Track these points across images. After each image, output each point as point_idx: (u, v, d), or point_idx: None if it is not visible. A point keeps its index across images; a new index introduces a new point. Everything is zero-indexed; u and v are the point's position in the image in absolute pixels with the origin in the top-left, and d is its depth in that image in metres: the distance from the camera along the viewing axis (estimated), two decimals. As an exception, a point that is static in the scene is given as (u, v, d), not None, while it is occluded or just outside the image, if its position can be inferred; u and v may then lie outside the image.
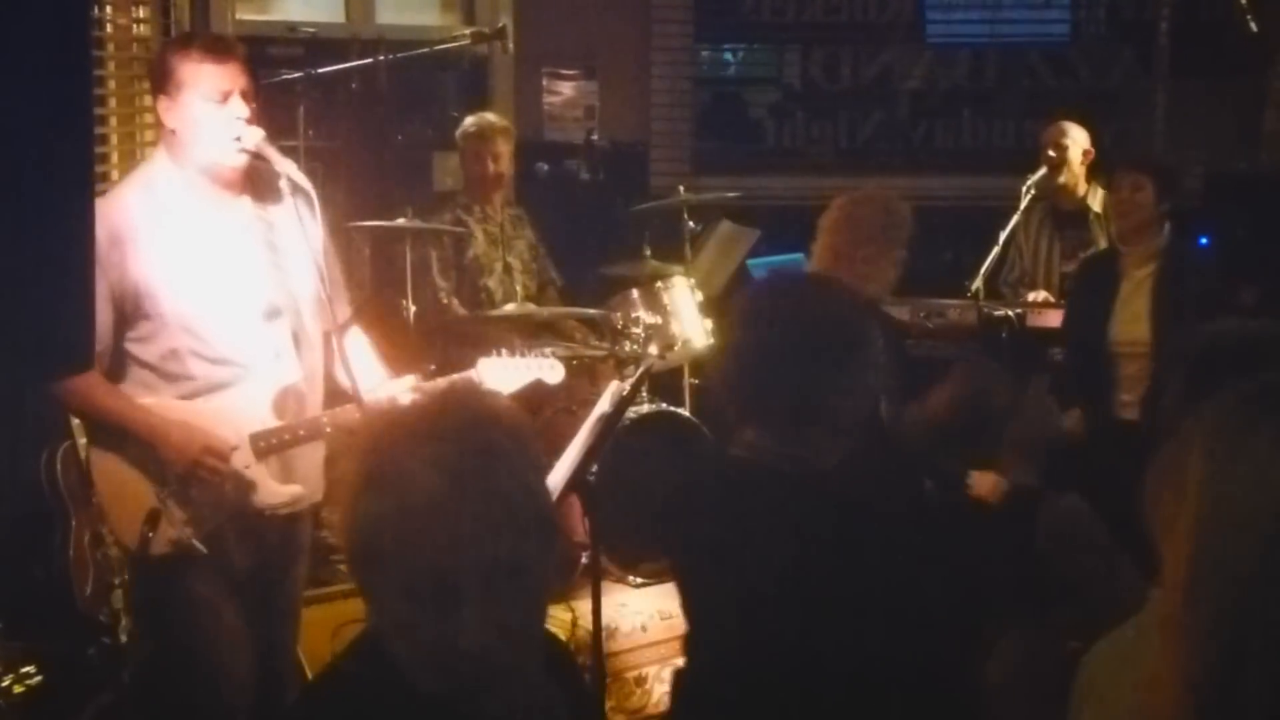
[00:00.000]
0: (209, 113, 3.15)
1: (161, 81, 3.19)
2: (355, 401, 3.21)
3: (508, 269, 5.68)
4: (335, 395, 3.41)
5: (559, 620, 4.47)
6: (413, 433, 1.67)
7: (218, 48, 3.20)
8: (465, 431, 1.66)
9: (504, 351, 3.70)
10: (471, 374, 3.63)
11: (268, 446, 3.25)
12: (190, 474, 3.18)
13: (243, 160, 3.21)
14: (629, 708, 4.47)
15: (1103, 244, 5.57)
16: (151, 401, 3.19)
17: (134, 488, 3.18)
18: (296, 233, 3.26)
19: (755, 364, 2.37)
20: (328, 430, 3.32)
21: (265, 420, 3.26)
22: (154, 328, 3.16)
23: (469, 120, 5.79)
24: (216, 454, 3.18)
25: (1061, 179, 5.60)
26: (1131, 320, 4.74)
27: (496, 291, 5.62)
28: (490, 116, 5.84)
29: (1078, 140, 5.65)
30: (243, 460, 3.24)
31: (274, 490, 3.30)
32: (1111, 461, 3.61)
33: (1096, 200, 5.61)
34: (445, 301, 5.46)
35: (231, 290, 3.24)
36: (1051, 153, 5.60)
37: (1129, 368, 4.71)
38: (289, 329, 3.33)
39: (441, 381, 3.47)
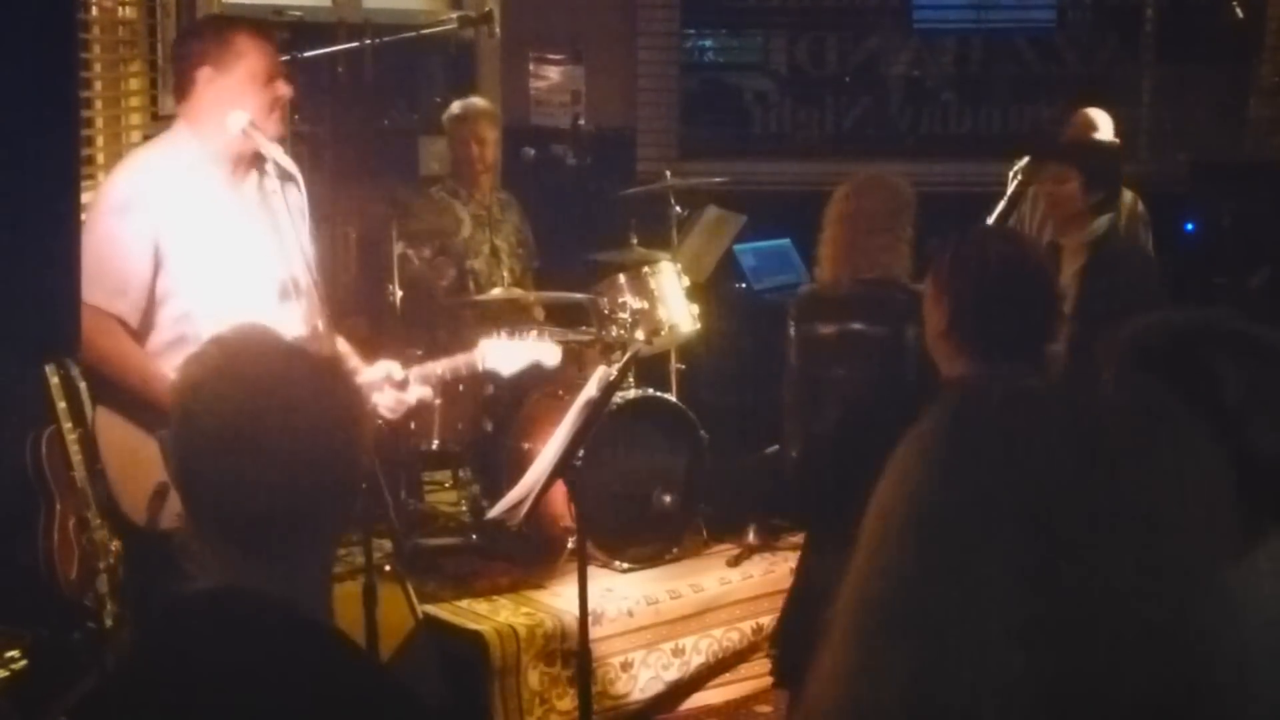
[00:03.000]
0: (260, 89, 3.25)
1: (212, 53, 3.24)
2: None
3: (495, 251, 5.67)
4: None
5: (546, 606, 4.47)
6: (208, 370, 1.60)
7: (266, 29, 3.33)
8: (253, 367, 1.60)
9: (504, 333, 3.72)
10: (474, 354, 3.65)
11: None
12: None
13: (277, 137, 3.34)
14: (614, 694, 4.47)
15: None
16: None
17: (144, 461, 3.18)
18: (290, 217, 3.32)
19: (978, 305, 2.58)
20: None
21: None
22: (171, 286, 3.20)
23: (455, 105, 5.78)
24: None
25: None
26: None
27: (483, 273, 5.61)
28: (476, 100, 5.84)
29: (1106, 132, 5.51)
30: None
31: None
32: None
33: None
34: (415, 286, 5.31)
35: (245, 261, 3.29)
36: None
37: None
38: (298, 307, 3.38)
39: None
